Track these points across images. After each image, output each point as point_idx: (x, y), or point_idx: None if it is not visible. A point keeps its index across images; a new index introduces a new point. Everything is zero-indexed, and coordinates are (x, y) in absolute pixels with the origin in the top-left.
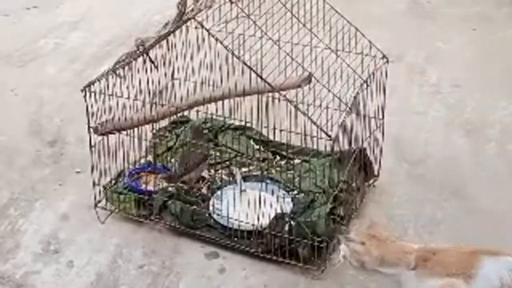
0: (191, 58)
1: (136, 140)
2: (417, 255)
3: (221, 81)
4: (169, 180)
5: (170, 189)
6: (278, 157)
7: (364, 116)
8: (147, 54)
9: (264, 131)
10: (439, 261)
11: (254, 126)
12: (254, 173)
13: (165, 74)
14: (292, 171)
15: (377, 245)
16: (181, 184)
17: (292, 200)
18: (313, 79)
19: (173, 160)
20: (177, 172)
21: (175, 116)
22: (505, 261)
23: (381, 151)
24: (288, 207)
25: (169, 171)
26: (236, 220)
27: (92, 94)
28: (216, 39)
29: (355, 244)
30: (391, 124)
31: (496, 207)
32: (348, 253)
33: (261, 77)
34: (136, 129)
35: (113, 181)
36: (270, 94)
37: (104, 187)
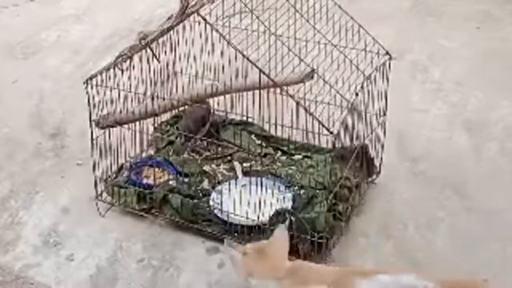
0: (193, 52)
1: (137, 133)
2: (289, 268)
3: (223, 75)
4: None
5: (170, 182)
6: (279, 153)
7: (366, 113)
8: (150, 48)
9: (266, 127)
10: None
11: (255, 121)
12: (255, 168)
13: (167, 68)
14: (293, 167)
15: (255, 261)
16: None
17: (293, 196)
18: (315, 75)
19: (182, 122)
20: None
21: (176, 110)
22: (378, 281)
23: (382, 148)
24: (288, 202)
25: (171, 165)
26: (236, 215)
27: (94, 87)
28: (219, 34)
29: (235, 252)
30: (393, 121)
31: (497, 205)
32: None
33: (263, 72)
34: (137, 122)
35: (114, 175)
36: (272, 89)
37: (105, 181)
